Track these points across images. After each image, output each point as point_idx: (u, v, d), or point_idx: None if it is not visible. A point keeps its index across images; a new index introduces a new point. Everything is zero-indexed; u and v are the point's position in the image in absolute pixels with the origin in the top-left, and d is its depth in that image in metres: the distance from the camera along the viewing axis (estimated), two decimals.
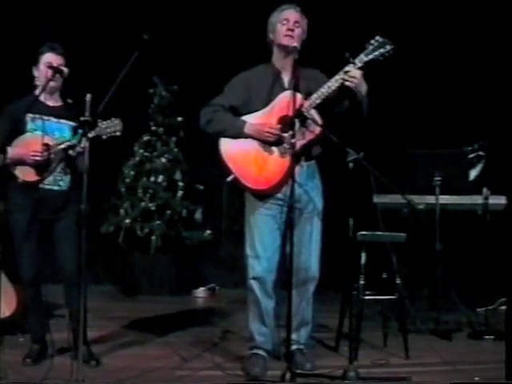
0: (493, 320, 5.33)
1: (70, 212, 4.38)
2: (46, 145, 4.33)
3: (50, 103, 4.48)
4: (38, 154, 4.30)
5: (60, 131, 4.42)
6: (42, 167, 4.35)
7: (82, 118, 4.20)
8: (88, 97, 4.20)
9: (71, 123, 4.44)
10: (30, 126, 4.40)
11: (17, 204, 4.41)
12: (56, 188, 4.40)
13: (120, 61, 4.09)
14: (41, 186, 4.37)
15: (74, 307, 4.18)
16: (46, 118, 4.41)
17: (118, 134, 4.32)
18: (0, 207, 4.98)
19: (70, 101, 4.53)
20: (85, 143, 4.04)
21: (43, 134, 4.35)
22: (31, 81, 4.51)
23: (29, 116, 4.39)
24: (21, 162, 4.34)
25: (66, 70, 4.41)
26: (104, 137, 4.29)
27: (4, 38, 7.16)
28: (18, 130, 4.37)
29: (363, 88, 4.19)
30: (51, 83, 4.37)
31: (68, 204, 4.39)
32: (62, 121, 4.44)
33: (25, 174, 4.37)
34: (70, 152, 4.31)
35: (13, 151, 4.32)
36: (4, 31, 7.18)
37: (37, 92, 4.44)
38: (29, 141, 4.35)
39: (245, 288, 4.38)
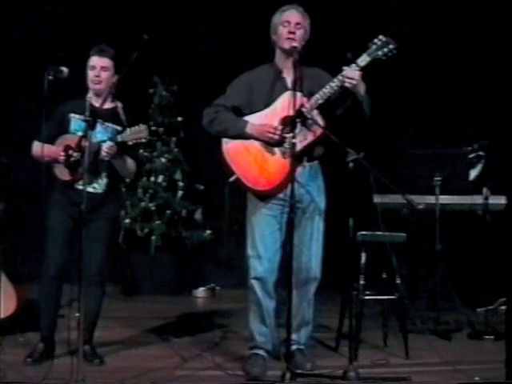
0: (493, 320, 5.32)
1: (104, 214, 4.44)
2: (79, 146, 4.34)
3: (99, 105, 4.48)
4: (64, 154, 4.36)
5: (102, 134, 4.41)
6: (74, 167, 4.38)
7: (81, 118, 4.22)
8: (88, 97, 4.22)
9: (115, 126, 4.46)
10: (73, 126, 4.45)
11: (53, 201, 4.49)
12: (90, 190, 4.36)
13: (120, 61, 4.09)
14: (76, 186, 4.41)
15: (88, 307, 4.19)
16: (90, 119, 4.41)
17: (143, 140, 4.37)
18: (0, 207, 5.00)
19: (119, 104, 4.53)
20: (84, 143, 4.07)
21: (82, 136, 4.34)
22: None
23: (74, 117, 4.44)
24: (55, 161, 4.41)
25: (65, 69, 4.40)
26: (130, 143, 4.33)
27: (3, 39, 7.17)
28: (64, 130, 4.45)
29: (362, 88, 4.19)
30: (90, 85, 4.43)
31: (102, 207, 4.41)
32: (107, 123, 4.44)
33: (61, 173, 4.44)
34: (101, 155, 4.33)
35: (47, 149, 4.35)
36: (3, 31, 7.20)
37: (88, 95, 4.43)
38: (67, 141, 4.40)
39: (245, 288, 4.38)
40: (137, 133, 4.31)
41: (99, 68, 4.44)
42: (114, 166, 4.44)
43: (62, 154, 4.38)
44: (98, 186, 4.45)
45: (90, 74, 4.46)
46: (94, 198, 4.37)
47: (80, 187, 4.36)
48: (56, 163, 4.43)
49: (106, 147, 4.29)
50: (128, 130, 4.33)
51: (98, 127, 4.37)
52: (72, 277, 4.29)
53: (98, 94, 4.44)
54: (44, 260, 4.47)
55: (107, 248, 4.53)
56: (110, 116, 4.47)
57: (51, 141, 4.41)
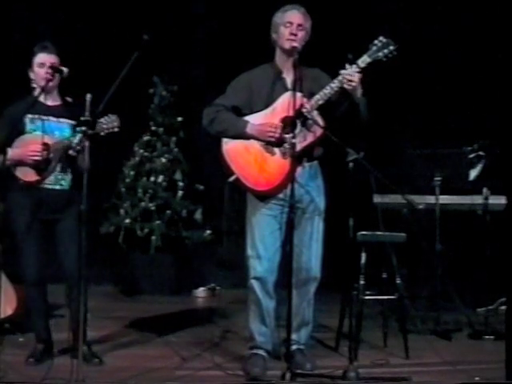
0: (493, 320, 5.33)
1: (72, 212, 4.36)
2: (46, 144, 4.32)
3: (49, 103, 4.47)
4: (37, 153, 4.29)
5: (60, 130, 4.41)
6: (42, 167, 4.34)
7: (82, 118, 4.20)
8: (88, 97, 4.21)
9: (71, 122, 4.41)
10: (29, 126, 4.39)
11: (18, 204, 4.40)
12: (57, 187, 4.38)
13: (120, 61, 4.09)
14: (42, 185, 4.36)
15: (74, 307, 4.18)
16: (45, 117, 4.39)
17: (115, 130, 4.31)
18: (0, 208, 4.98)
19: (69, 99, 4.52)
20: (83, 142, 4.04)
21: (42, 134, 4.34)
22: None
23: (28, 117, 4.38)
24: (20, 162, 4.34)
25: (65, 69, 4.41)
26: (102, 133, 4.28)
27: (3, 39, 7.17)
28: (18, 131, 4.36)
29: (359, 91, 4.19)
30: (40, 83, 4.37)
31: (70, 203, 4.37)
32: (61, 120, 4.43)
33: (25, 175, 4.36)
34: (70, 152, 4.31)
35: (12, 152, 4.32)
36: (3, 31, 7.20)
37: (36, 93, 4.42)
38: (28, 141, 4.34)
39: (245, 288, 4.38)
40: (108, 123, 4.27)
41: (49, 64, 4.38)
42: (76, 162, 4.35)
43: (41, 153, 4.28)
44: (65, 183, 4.40)
45: (40, 71, 4.38)
46: (62, 195, 4.35)
47: (48, 186, 4.34)
48: (20, 165, 4.33)
49: (76, 141, 4.22)
50: (98, 121, 4.23)
51: (54, 124, 4.37)
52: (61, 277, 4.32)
53: (47, 92, 4.42)
54: (21, 267, 4.41)
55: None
56: (62, 112, 4.42)
57: (8, 144, 4.33)
